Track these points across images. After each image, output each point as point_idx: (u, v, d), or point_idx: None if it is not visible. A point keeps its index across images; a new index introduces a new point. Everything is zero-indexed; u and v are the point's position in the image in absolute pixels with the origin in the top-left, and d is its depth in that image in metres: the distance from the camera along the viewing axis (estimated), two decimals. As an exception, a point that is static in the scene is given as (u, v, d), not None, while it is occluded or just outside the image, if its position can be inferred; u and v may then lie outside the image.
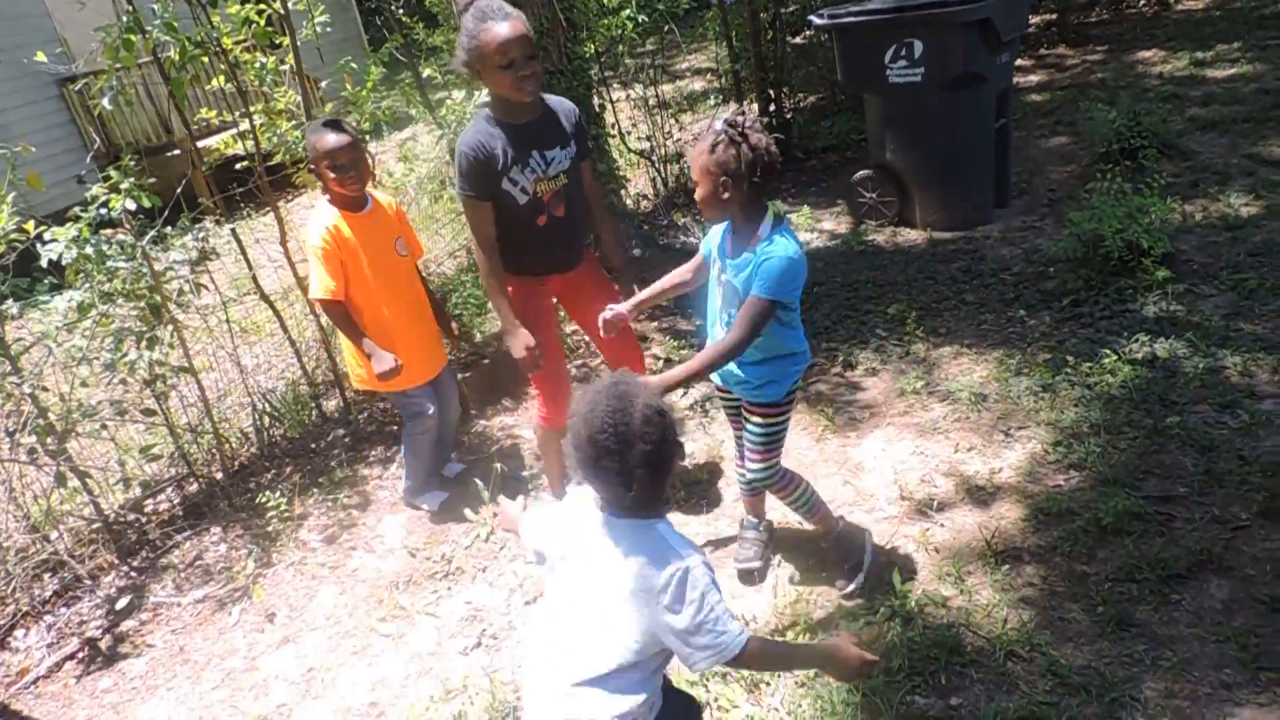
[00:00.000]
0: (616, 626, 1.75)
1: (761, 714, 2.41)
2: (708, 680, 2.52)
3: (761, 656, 1.80)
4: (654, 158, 6.54)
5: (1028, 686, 2.32)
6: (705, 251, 2.63)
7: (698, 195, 2.42)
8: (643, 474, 1.73)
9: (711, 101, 8.51)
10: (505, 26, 2.75)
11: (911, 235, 5.40)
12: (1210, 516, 2.75)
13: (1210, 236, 4.45)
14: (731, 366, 2.58)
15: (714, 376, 2.69)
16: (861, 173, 5.64)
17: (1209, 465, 2.95)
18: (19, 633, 3.39)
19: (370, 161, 4.07)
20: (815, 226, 5.81)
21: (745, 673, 2.50)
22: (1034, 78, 8.29)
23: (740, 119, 2.27)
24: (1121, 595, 2.54)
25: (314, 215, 3.30)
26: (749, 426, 2.67)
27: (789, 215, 5.99)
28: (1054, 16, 9.81)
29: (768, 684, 2.49)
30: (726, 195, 2.32)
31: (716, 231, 2.57)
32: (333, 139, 3.13)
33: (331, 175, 3.17)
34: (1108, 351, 3.62)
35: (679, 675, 2.44)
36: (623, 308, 2.78)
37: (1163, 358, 3.55)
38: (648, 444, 1.72)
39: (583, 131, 3.13)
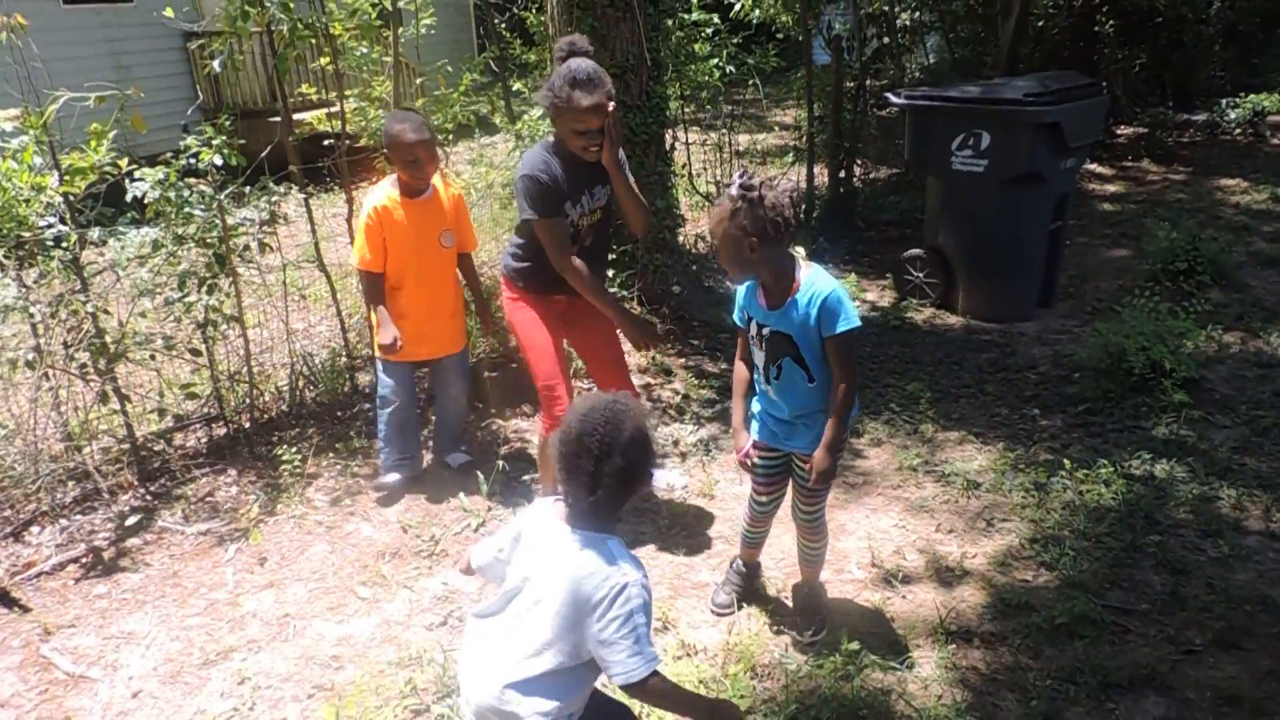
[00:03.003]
0: (552, 630, 1.87)
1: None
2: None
3: (660, 694, 1.88)
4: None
5: (942, 760, 2.39)
6: (740, 321, 2.73)
7: (724, 259, 2.53)
8: (610, 484, 1.87)
9: (790, 159, 8.69)
10: (589, 99, 2.96)
11: (950, 320, 5.48)
12: (1165, 636, 2.79)
13: (1241, 370, 4.45)
14: (787, 419, 2.67)
15: (755, 434, 2.77)
16: (912, 251, 5.75)
17: (1176, 587, 2.98)
18: (34, 529, 3.65)
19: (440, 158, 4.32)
20: (859, 296, 5.92)
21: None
22: (1111, 187, 8.32)
23: (755, 180, 2.42)
24: (1058, 693, 2.59)
25: (373, 189, 3.58)
26: (803, 477, 2.71)
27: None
28: (1145, 130, 9.82)
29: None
30: (753, 254, 2.44)
31: (740, 294, 2.71)
32: (411, 136, 3.38)
33: (402, 167, 3.42)
34: (1106, 463, 3.66)
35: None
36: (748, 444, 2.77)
37: (1160, 478, 3.58)
38: (626, 460, 1.87)
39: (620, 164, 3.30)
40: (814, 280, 2.51)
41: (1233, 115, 9.87)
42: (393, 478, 3.87)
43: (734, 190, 2.42)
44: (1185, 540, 3.23)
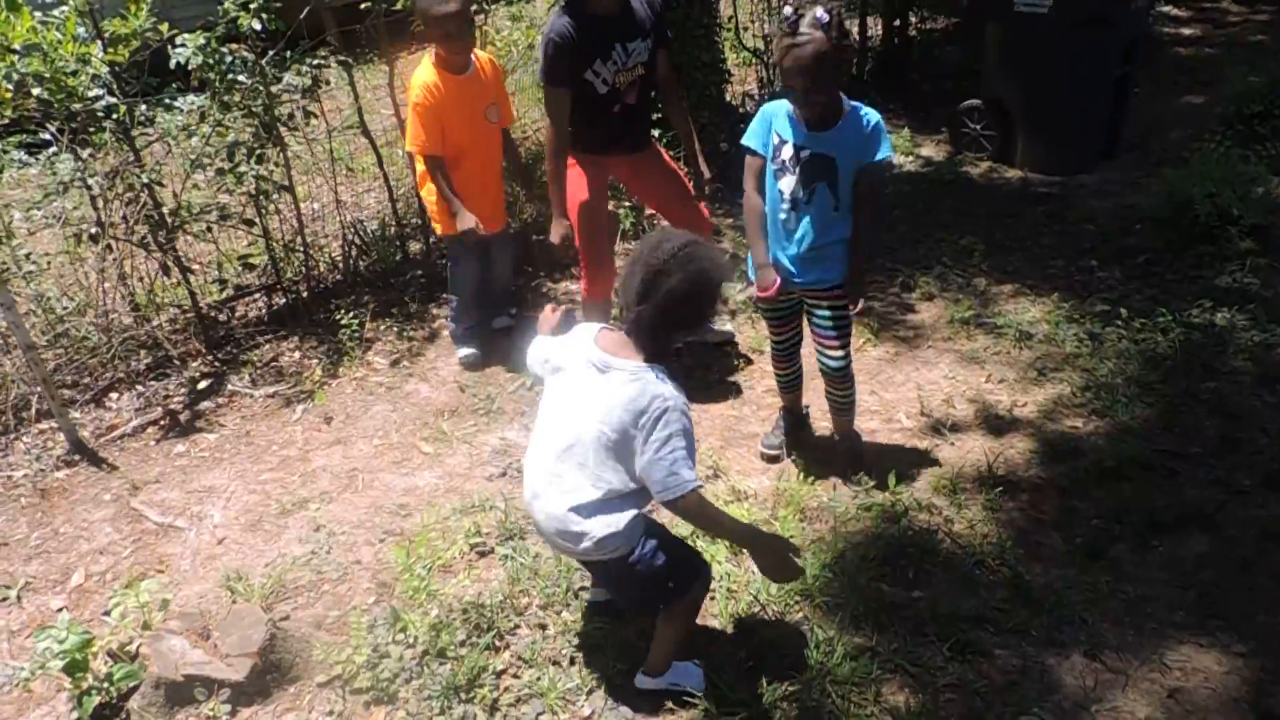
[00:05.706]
0: (602, 457, 1.95)
1: (739, 574, 2.63)
2: (697, 538, 2.74)
3: (697, 512, 1.96)
4: (768, 58, 6.48)
5: (986, 592, 2.47)
6: (756, 145, 2.68)
7: (824, 83, 2.40)
8: (661, 301, 1.94)
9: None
10: None
11: (1007, 173, 5.31)
12: (1213, 478, 2.81)
13: (1315, 218, 4.27)
14: (805, 253, 2.68)
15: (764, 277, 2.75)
16: (969, 102, 5.51)
17: (1228, 431, 2.98)
18: (113, 395, 3.83)
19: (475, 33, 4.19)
20: (913, 151, 5.74)
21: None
22: (1186, 30, 7.81)
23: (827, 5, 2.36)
24: (1103, 532, 2.65)
25: (417, 71, 3.50)
26: (823, 317, 2.76)
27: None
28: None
29: (749, 548, 2.70)
30: (849, 66, 2.43)
31: (772, 116, 2.64)
32: (442, 8, 3.27)
33: (439, 40, 3.34)
34: (1164, 311, 3.60)
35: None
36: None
37: (1220, 326, 3.52)
38: (682, 282, 1.93)
39: (661, 20, 3.23)
40: (859, 106, 2.55)
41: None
42: (470, 352, 3.93)
43: (821, 15, 2.32)
44: (1242, 387, 3.19)
